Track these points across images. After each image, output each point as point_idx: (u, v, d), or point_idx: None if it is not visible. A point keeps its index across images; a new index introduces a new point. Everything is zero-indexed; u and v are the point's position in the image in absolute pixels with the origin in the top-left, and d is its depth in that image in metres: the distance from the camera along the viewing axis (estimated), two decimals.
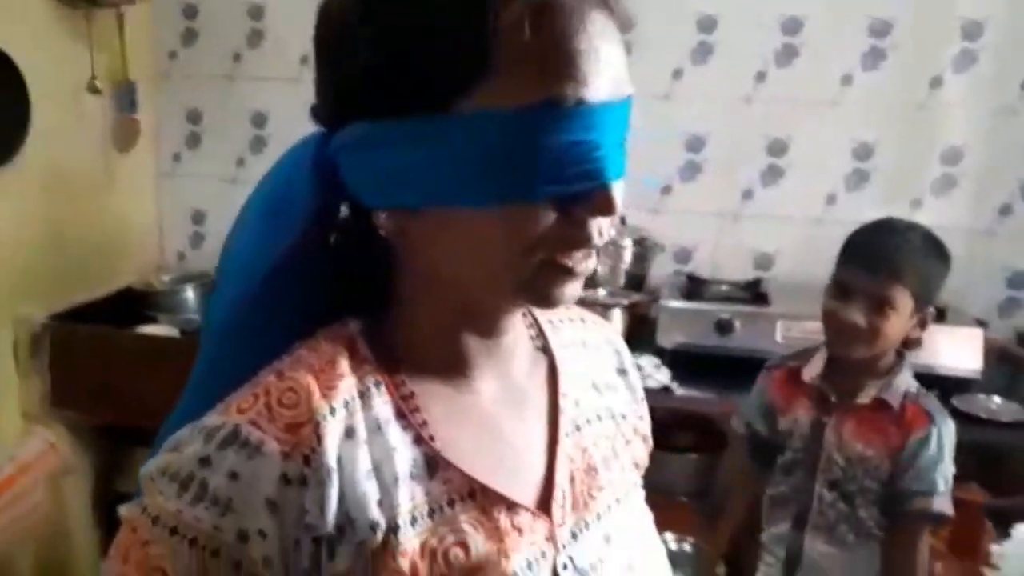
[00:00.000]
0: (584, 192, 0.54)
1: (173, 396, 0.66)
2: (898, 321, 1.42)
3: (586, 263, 0.58)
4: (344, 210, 0.63)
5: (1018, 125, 2.17)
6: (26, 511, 1.95)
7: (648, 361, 1.96)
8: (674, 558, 1.90)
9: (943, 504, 1.41)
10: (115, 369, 2.06)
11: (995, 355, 2.04)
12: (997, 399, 1.89)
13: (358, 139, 0.57)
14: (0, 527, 1.90)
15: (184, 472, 0.55)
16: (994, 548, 1.49)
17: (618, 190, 0.56)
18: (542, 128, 0.52)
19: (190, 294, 2.38)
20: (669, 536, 1.96)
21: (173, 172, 2.68)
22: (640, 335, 2.08)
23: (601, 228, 0.57)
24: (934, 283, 1.45)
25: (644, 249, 2.27)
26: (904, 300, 1.41)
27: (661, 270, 2.36)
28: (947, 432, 1.43)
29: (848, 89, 2.24)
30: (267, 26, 2.53)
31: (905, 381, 1.47)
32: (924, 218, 2.09)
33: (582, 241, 0.56)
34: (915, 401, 1.46)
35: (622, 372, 0.77)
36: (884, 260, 1.41)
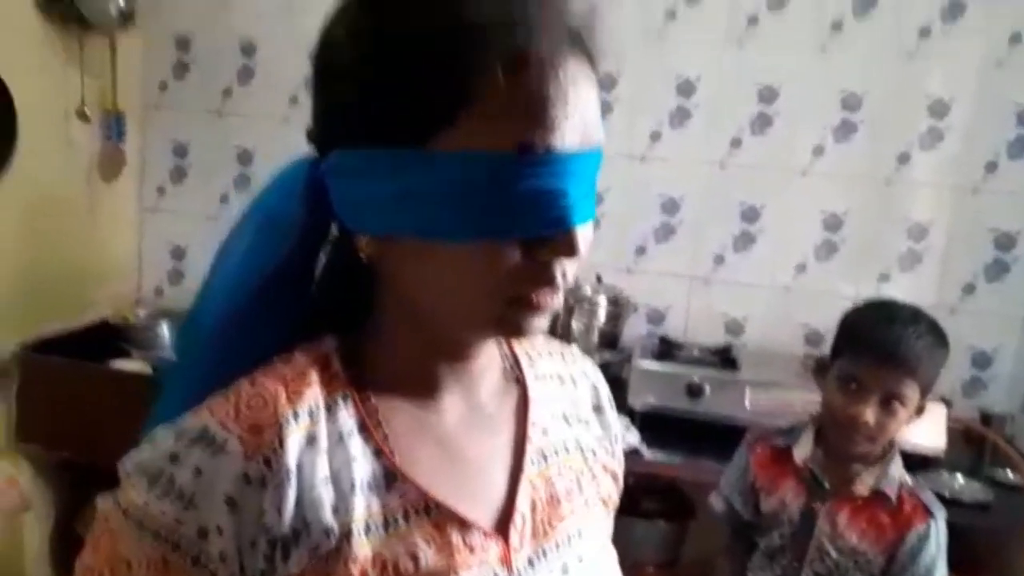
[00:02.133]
0: (549, 235, 0.58)
1: (143, 433, 0.68)
2: (905, 415, 1.40)
3: (552, 299, 0.61)
4: (334, 230, 0.66)
5: (981, 204, 2.24)
6: None
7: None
8: None
9: None
10: (84, 403, 2.04)
11: (959, 434, 2.07)
12: (960, 478, 1.90)
13: (343, 165, 0.61)
14: None
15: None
16: None
17: (583, 234, 0.59)
18: (511, 172, 0.56)
19: (165, 330, 2.36)
20: None
21: (156, 206, 2.67)
22: (611, 395, 2.09)
23: (565, 270, 0.60)
24: (938, 373, 1.43)
25: (618, 308, 2.30)
26: (914, 395, 1.39)
27: (634, 330, 2.39)
28: (944, 528, 1.42)
29: (819, 160, 2.30)
30: (258, 63, 2.55)
31: (898, 470, 1.45)
32: (892, 292, 2.18)
33: (546, 281, 0.59)
34: (912, 493, 1.44)
35: (598, 409, 0.79)
36: (898, 356, 1.37)
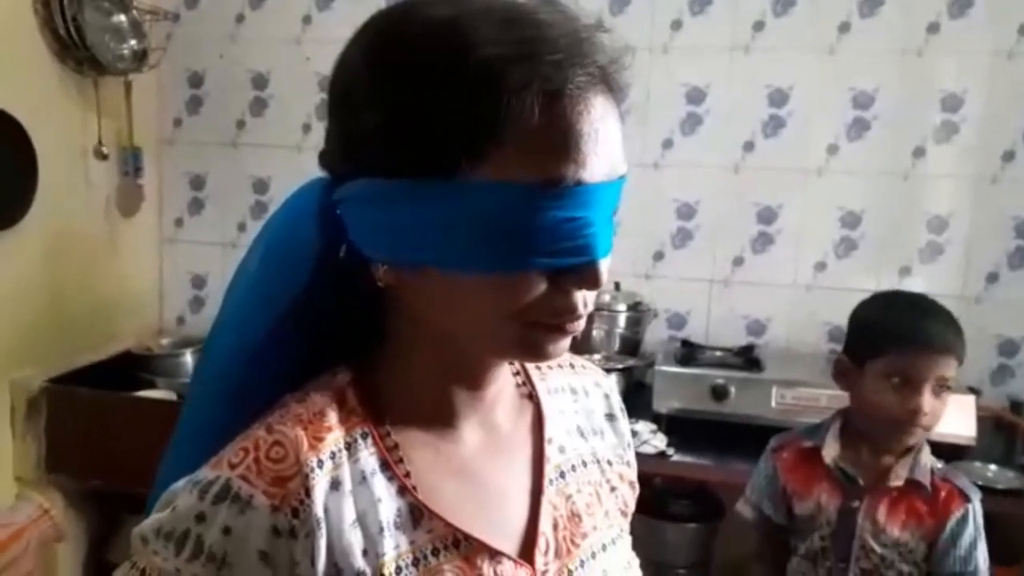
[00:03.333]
0: (573, 265, 0.57)
1: (159, 481, 0.66)
2: (948, 398, 1.41)
3: (576, 325, 0.60)
4: (342, 253, 0.64)
5: (999, 194, 2.22)
6: None
7: (644, 427, 1.96)
8: None
9: None
10: (112, 433, 2.06)
11: (989, 422, 2.06)
12: (993, 467, 1.88)
13: (363, 194, 0.59)
14: None
15: (180, 530, 0.57)
16: None
17: (605, 264, 0.59)
18: (540, 204, 0.55)
19: (188, 358, 2.39)
20: None
21: (175, 237, 2.72)
22: (636, 400, 2.09)
23: (587, 299, 0.60)
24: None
25: (638, 314, 2.29)
26: (955, 376, 1.41)
27: (655, 335, 2.38)
28: (980, 509, 1.41)
29: (834, 158, 2.30)
30: (270, 95, 2.59)
31: (928, 458, 1.45)
32: (914, 285, 2.17)
33: (569, 309, 0.59)
34: (945, 479, 1.43)
35: (611, 417, 0.78)
36: (946, 341, 1.39)
